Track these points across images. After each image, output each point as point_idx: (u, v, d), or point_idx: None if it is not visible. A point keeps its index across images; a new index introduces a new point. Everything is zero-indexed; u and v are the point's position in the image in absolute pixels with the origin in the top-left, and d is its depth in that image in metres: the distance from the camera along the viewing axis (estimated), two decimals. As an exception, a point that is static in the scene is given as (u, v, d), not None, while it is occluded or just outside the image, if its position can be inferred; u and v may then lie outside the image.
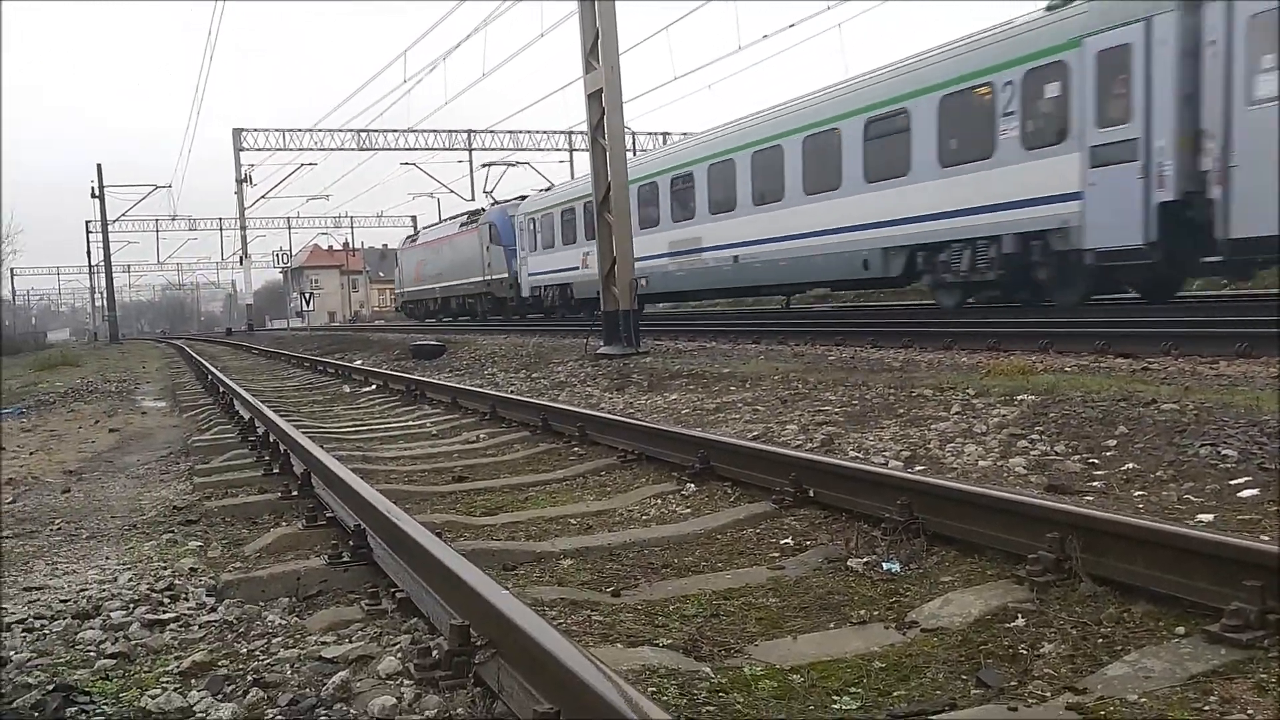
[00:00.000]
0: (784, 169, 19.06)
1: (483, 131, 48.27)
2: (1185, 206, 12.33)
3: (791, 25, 37.26)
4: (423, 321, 41.27)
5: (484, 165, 43.58)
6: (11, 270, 77.16)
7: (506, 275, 34.34)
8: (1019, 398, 6.67)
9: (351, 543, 4.13)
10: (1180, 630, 2.90)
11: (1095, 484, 4.80)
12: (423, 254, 45.17)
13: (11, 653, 3.32)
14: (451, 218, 40.00)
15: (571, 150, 49.07)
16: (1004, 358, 9.87)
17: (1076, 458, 5.29)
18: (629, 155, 19.60)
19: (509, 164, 43.26)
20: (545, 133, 49.23)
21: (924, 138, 15.96)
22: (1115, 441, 5.42)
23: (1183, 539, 3.07)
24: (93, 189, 57.38)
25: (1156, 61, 12.41)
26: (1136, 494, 4.58)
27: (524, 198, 34.70)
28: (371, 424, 9.84)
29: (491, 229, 35.71)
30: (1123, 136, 12.89)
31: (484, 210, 38.24)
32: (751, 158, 20.36)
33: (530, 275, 32.24)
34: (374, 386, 13.84)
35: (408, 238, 52.22)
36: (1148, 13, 12.47)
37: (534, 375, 13.32)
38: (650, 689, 2.71)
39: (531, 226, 32.37)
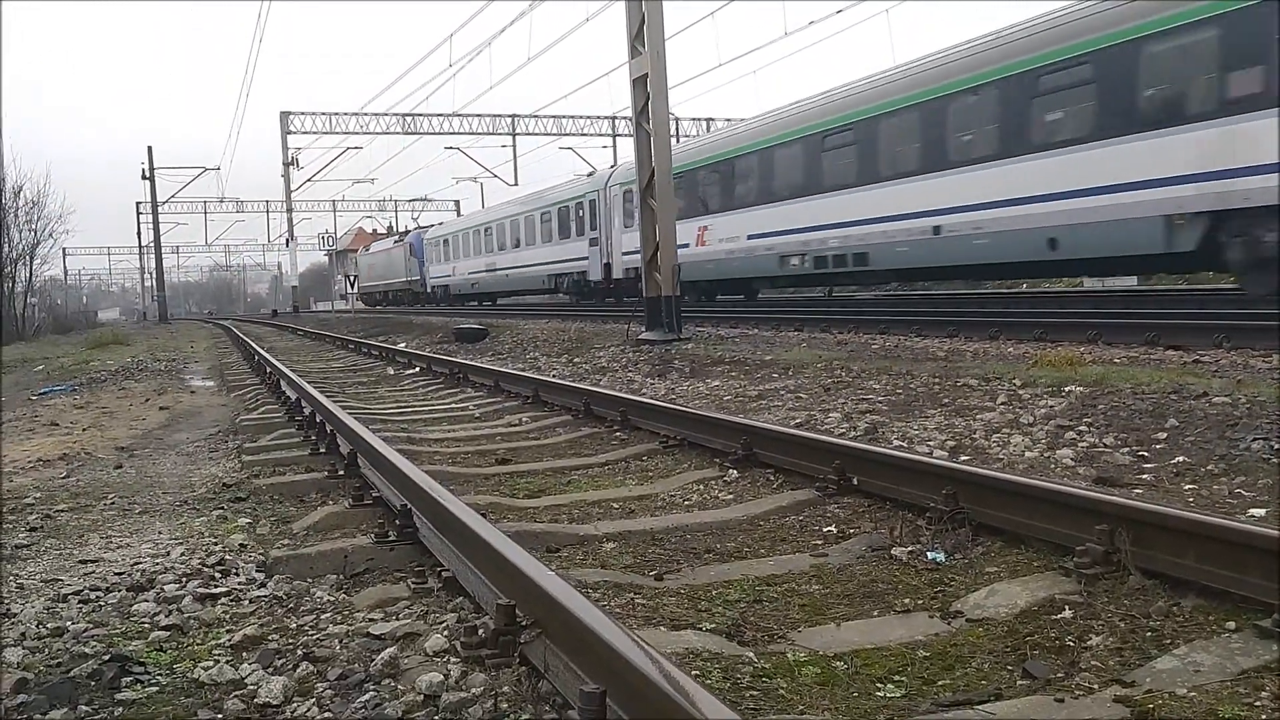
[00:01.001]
0: (522, 233, 37.57)
1: (527, 116, 48.39)
2: (609, 267, 29.45)
3: (839, 11, 36.98)
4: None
5: (408, 201, 69.41)
6: (64, 250, 78.42)
7: (419, 278, 52.33)
8: (1067, 389, 6.60)
9: (398, 522, 4.18)
10: (1231, 625, 2.86)
11: (1145, 477, 4.74)
12: (373, 259, 63.25)
13: (69, 623, 3.40)
14: (388, 236, 57.46)
15: (615, 135, 49.00)
16: (1051, 349, 9.75)
17: (1126, 450, 5.22)
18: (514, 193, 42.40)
19: (424, 200, 66.00)
20: (589, 118, 49.23)
21: (559, 225, 33.98)
22: (1165, 434, 5.35)
23: (1234, 533, 3.02)
24: (143, 170, 58.26)
25: (600, 208, 30.38)
26: (1187, 487, 4.51)
27: (430, 226, 55.34)
28: (415, 406, 9.93)
29: (411, 247, 53.76)
30: (596, 235, 30.56)
31: (409, 231, 57.87)
32: (509, 224, 39.39)
33: (431, 278, 50.45)
34: (417, 369, 13.96)
35: (364, 247, 69.74)
36: (600, 186, 30.71)
37: (576, 360, 13.36)
38: (694, 672, 2.71)
39: (431, 248, 50.78)
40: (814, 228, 19.89)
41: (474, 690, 2.62)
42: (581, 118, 49.20)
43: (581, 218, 31.91)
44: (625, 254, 27.63)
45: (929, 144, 17.05)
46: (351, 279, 52.31)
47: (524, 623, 2.77)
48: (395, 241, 56.58)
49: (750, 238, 22.21)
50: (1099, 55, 13.94)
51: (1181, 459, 4.93)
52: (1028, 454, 5.38)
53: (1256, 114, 11.82)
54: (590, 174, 34.49)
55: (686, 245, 22.86)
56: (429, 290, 50.28)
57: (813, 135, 20.09)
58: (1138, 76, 13.45)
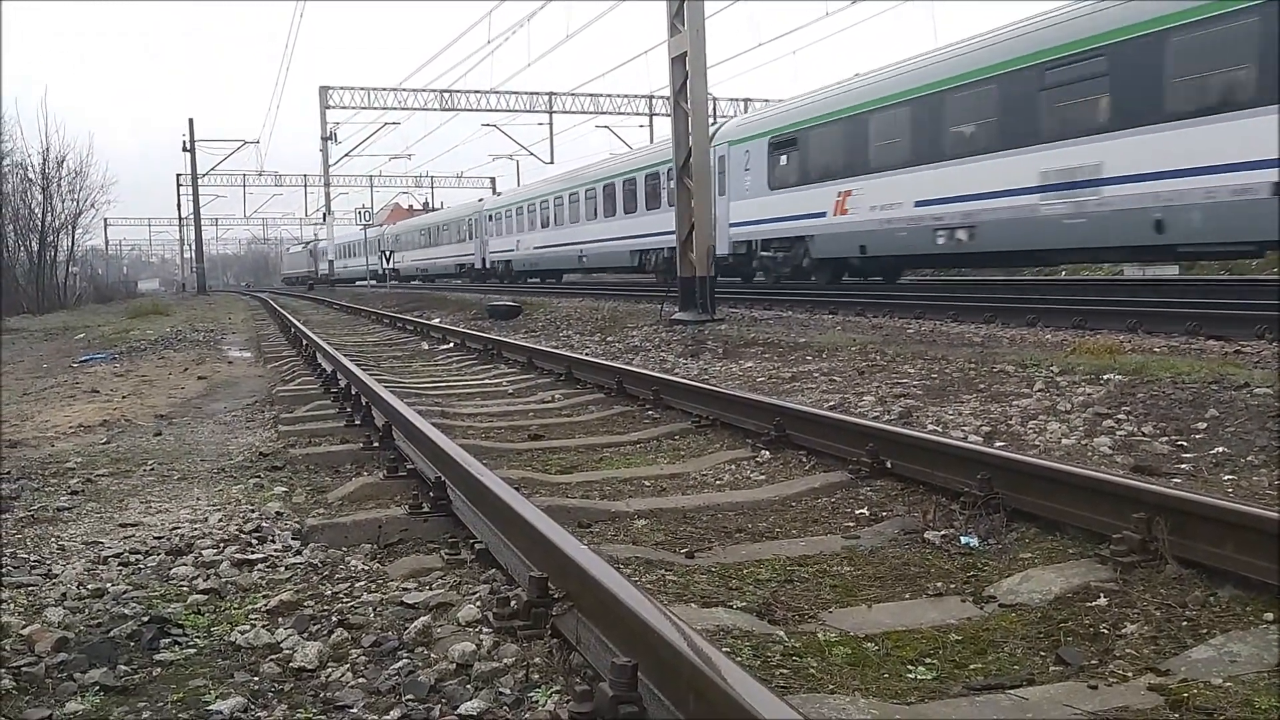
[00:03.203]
0: (356, 249, 63.28)
1: (564, 94, 48.30)
2: (393, 269, 57.60)
3: (881, -9, 36.40)
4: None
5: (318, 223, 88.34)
6: (105, 220, 79.40)
7: (314, 268, 76.30)
8: (1105, 377, 6.52)
9: (431, 494, 4.22)
10: (1269, 616, 2.83)
11: (1183, 466, 4.68)
12: (297, 255, 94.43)
13: (109, 584, 3.46)
14: (300, 241, 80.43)
15: (651, 115, 48.83)
16: (1090, 336, 9.65)
17: (1164, 439, 5.16)
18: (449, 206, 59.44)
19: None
20: (626, 96, 49.03)
21: (365, 248, 63.95)
22: (1205, 424, 5.28)
23: (1274, 524, 2.98)
24: (184, 143, 58.71)
25: (370, 242, 64.36)
26: (1226, 478, 4.46)
27: (321, 240, 78.10)
28: (449, 380, 9.98)
29: (311, 251, 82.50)
30: (376, 257, 58.77)
31: (315, 240, 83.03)
32: (351, 245, 70.14)
33: (321, 269, 68.21)
34: (452, 344, 14.03)
35: (289, 248, 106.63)
36: (380, 234, 66.21)
37: (609, 339, 13.38)
38: (725, 649, 2.72)
39: (321, 252, 68.44)
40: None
41: (506, 660, 2.64)
42: (619, 96, 49.05)
43: (376, 245, 60.63)
44: (412, 263, 54.67)
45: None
46: (387, 255, 53.17)
47: (556, 595, 2.79)
48: (305, 246, 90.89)
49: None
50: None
51: (1221, 449, 4.87)
52: (1064, 441, 5.32)
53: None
54: (366, 226, 69.09)
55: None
56: (320, 275, 75.65)
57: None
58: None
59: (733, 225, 22.80)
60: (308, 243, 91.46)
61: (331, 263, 56.62)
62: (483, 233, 46.53)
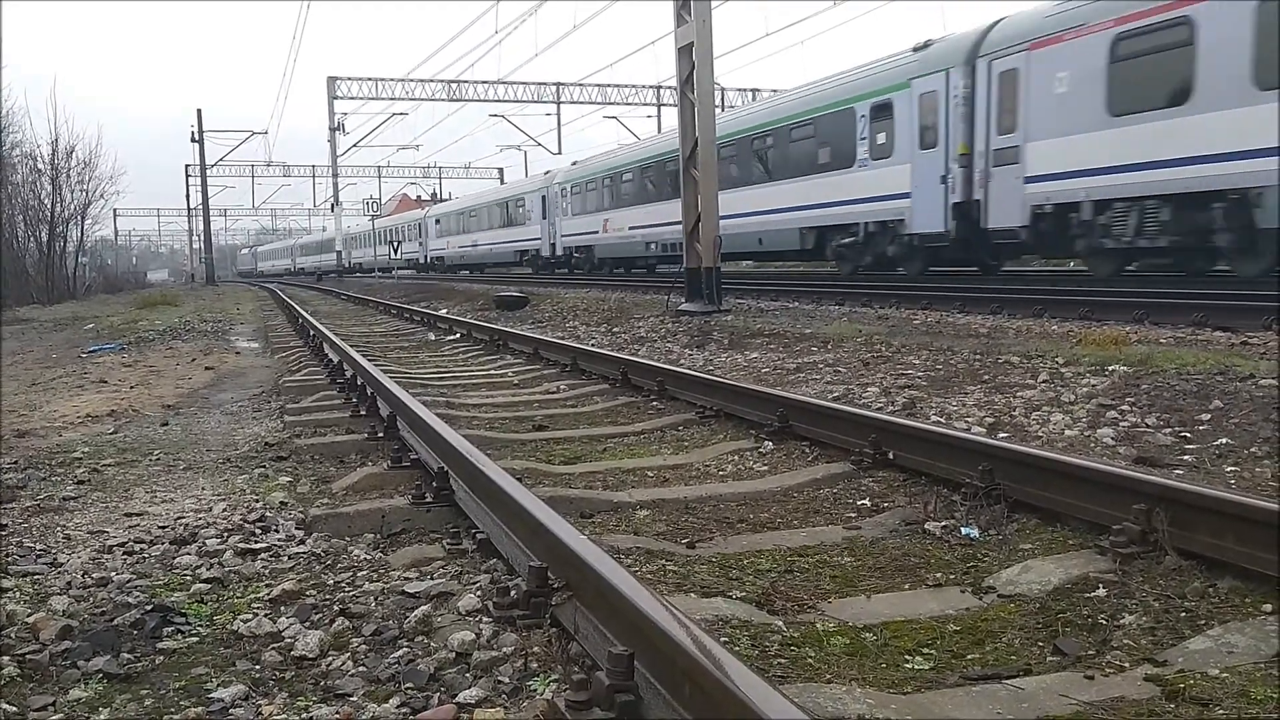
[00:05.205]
0: (295, 250, 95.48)
1: (571, 85, 48.26)
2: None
3: (889, -20, 36.44)
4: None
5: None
6: (115, 210, 79.56)
7: (255, 266, 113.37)
8: (1110, 368, 6.51)
9: (434, 484, 4.23)
10: (1267, 608, 2.83)
11: (1186, 458, 4.68)
12: (254, 253, 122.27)
13: (113, 573, 3.49)
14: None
15: (659, 105, 48.74)
16: (1096, 328, 9.62)
17: (1168, 430, 5.15)
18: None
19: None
20: (634, 87, 48.99)
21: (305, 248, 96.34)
22: (1209, 416, 5.27)
23: (1274, 515, 2.97)
24: (192, 133, 58.70)
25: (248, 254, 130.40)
26: (1229, 469, 4.45)
27: (260, 245, 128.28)
28: (455, 371, 10.00)
29: (256, 251, 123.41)
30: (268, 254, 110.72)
31: (257, 244, 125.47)
32: (280, 248, 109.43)
33: (259, 266, 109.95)
34: (458, 335, 14.06)
35: (240, 250, 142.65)
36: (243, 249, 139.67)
37: (615, 330, 13.38)
38: (723, 639, 2.73)
39: (260, 251, 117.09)
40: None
41: (505, 649, 2.66)
42: (626, 87, 49.01)
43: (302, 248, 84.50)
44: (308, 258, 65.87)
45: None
46: (396, 246, 53.04)
47: (555, 585, 2.81)
48: (249, 248, 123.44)
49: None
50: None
51: (1225, 441, 4.86)
52: (1068, 432, 5.32)
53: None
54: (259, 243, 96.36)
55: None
56: (258, 271, 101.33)
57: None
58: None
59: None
60: (252, 246, 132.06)
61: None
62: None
